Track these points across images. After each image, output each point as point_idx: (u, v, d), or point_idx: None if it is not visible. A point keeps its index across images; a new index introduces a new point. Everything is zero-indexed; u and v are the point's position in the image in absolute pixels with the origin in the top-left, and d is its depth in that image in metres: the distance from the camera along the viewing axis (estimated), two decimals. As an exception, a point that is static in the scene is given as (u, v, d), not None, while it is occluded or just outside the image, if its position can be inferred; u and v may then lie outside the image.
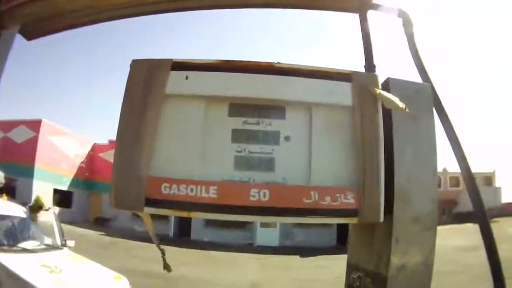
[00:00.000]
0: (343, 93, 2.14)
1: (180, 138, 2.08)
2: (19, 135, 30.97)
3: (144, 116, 2.05)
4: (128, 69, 2.16)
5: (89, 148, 39.18)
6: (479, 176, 41.94)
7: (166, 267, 2.45)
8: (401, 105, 2.03)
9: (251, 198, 1.98)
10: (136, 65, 2.16)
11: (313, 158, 2.10)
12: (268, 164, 2.11)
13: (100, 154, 38.35)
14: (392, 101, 2.06)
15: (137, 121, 2.05)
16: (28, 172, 29.28)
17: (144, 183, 1.98)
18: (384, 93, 2.11)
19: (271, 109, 2.17)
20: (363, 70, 2.94)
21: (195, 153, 2.07)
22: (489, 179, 45.27)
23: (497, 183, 45.56)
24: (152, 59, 2.17)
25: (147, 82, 2.10)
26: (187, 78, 2.11)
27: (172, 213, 2.06)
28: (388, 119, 2.19)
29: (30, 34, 2.91)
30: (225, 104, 2.16)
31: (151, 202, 1.98)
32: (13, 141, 30.67)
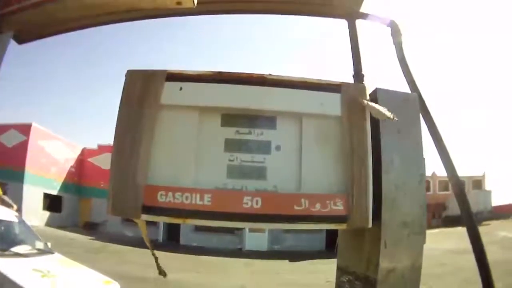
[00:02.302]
0: (333, 103, 2.21)
1: (175, 148, 2.13)
2: (10, 139, 30.53)
3: (140, 125, 2.10)
4: (118, 74, 2.21)
5: (78, 152, 38.71)
6: (469, 179, 42.16)
7: (161, 272, 2.48)
8: (389, 115, 2.08)
9: (244, 206, 2.04)
10: (132, 75, 2.21)
11: (303, 166, 2.16)
12: (260, 173, 2.17)
13: (89, 159, 38.00)
14: (380, 112, 2.11)
15: (133, 131, 2.10)
16: (19, 177, 28.88)
17: (141, 191, 2.03)
18: (372, 104, 2.18)
19: (262, 119, 2.23)
20: (352, 79, 2.98)
21: (189, 162, 2.12)
22: (479, 183, 45.40)
23: (488, 187, 45.74)
24: (147, 70, 2.22)
25: (142, 92, 2.15)
26: (181, 89, 2.16)
27: (168, 220, 2.09)
28: (376, 128, 2.25)
29: (22, 38, 2.92)
30: (218, 115, 2.22)
31: (147, 209, 2.03)
32: (4, 145, 30.29)
